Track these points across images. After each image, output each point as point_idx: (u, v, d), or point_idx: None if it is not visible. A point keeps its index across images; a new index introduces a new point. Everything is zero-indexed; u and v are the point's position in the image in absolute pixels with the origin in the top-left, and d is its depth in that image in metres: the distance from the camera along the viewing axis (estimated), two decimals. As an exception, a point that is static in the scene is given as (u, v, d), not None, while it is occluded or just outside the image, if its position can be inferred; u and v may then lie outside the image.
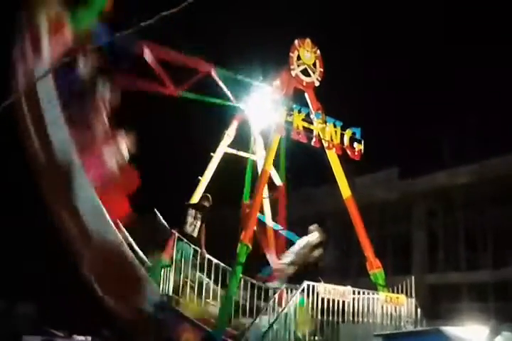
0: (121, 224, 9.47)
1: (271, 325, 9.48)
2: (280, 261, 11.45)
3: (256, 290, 10.24)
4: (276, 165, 12.63)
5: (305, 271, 11.09)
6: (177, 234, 9.92)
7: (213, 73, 11.57)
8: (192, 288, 9.88)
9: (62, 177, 8.73)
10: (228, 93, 11.87)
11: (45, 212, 8.72)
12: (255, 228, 10.89)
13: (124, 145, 9.72)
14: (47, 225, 8.96)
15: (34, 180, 8.72)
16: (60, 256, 9.14)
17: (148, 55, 10.73)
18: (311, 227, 11.67)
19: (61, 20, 8.93)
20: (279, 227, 12.56)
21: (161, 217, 10.76)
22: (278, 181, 12.85)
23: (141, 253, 9.86)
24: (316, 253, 11.40)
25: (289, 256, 11.29)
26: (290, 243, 11.99)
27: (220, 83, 11.72)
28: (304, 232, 11.85)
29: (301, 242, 11.46)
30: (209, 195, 11.21)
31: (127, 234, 9.64)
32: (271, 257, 12.26)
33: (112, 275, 8.85)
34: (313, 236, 11.48)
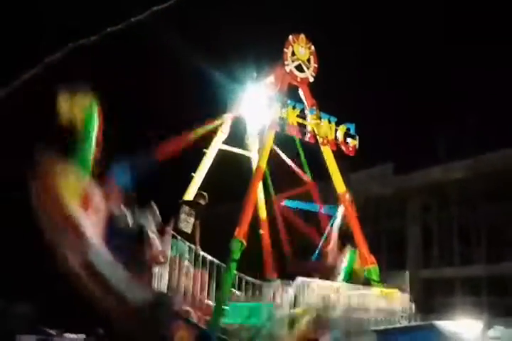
0: None
1: (265, 322, 9.50)
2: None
3: (251, 288, 10.27)
4: (299, 164, 12.87)
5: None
6: (171, 231, 9.90)
7: None
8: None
9: None
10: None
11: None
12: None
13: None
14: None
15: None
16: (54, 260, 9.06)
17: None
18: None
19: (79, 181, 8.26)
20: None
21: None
22: (305, 177, 12.91)
23: None
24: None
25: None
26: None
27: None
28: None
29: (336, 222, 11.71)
30: (205, 193, 11.17)
31: None
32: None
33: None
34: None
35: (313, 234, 12.47)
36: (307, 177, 12.98)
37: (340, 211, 11.82)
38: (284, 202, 13.04)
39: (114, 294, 8.68)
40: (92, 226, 8.17)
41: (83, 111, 8.10)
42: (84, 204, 8.07)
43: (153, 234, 9.16)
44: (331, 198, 12.52)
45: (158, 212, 10.12)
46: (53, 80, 8.07)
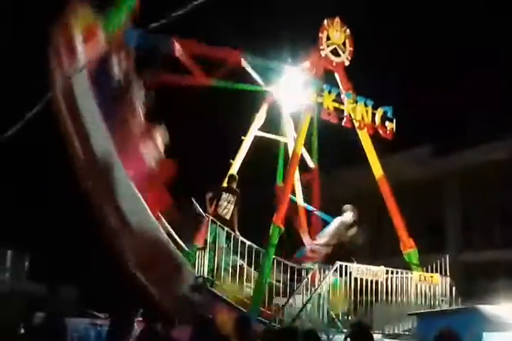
0: (160, 215, 9.66)
1: (304, 306, 9.61)
2: (315, 242, 11.49)
3: (289, 271, 10.37)
4: (308, 148, 12.62)
5: (342, 251, 11.13)
6: (210, 217, 10.06)
7: (243, 63, 11.54)
8: (226, 270, 10.03)
9: (101, 174, 8.92)
10: (258, 79, 11.84)
11: (87, 206, 8.92)
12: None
13: (160, 139, 9.88)
14: (89, 217, 9.17)
15: (75, 176, 8.92)
16: (101, 245, 9.37)
17: (178, 51, 10.74)
18: (345, 207, 11.67)
19: (94, 24, 9.06)
20: (312, 209, 12.57)
21: (197, 204, 10.86)
22: (311, 163, 12.83)
23: (179, 240, 10.06)
24: (351, 232, 11.41)
25: (323, 237, 11.33)
26: (324, 224, 12.01)
27: (250, 70, 11.69)
28: (337, 213, 11.87)
29: (335, 222, 11.48)
30: (235, 174, 11.31)
31: (166, 223, 9.83)
32: (305, 238, 12.33)
33: (152, 264, 9.06)
34: (347, 215, 11.48)
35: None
36: (313, 164, 12.80)
37: (337, 222, 11.44)
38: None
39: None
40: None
41: None
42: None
43: None
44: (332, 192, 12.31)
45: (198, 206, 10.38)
46: None
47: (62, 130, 8.83)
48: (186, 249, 10.02)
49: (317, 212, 12.38)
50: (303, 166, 12.51)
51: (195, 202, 10.96)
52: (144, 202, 9.14)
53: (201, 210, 10.75)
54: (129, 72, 9.66)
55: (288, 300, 9.89)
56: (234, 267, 10.13)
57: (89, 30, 8.98)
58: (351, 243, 11.43)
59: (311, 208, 12.55)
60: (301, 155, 11.94)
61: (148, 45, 9.82)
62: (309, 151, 12.76)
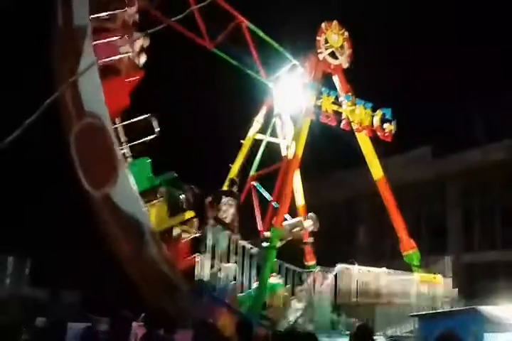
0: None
1: (305, 308, 9.61)
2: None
3: (291, 274, 10.39)
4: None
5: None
6: (211, 221, 10.07)
7: (245, 26, 11.57)
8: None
9: (73, 47, 8.97)
10: (258, 63, 11.84)
11: (87, 210, 8.96)
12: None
13: (139, 44, 10.05)
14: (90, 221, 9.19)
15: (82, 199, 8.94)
16: (102, 249, 9.38)
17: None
18: (309, 215, 11.71)
19: None
20: (270, 198, 12.38)
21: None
22: (285, 152, 12.32)
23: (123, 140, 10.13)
24: (308, 240, 11.67)
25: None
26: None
27: (250, 41, 11.69)
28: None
29: (292, 220, 11.53)
30: (235, 178, 11.34)
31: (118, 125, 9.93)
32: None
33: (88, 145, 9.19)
34: (307, 222, 11.50)
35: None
36: (289, 154, 12.64)
37: (295, 220, 11.46)
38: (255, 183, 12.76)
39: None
40: None
41: None
42: None
43: None
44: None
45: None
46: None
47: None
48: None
49: (273, 203, 12.14)
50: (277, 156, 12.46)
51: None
52: (103, 92, 9.13)
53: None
54: None
55: (306, 307, 9.87)
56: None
57: None
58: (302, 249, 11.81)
59: (269, 198, 12.40)
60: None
61: None
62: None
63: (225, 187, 11.44)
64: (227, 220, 10.51)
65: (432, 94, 21.96)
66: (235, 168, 12.29)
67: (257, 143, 12.70)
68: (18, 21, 13.96)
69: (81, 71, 8.72)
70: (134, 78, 9.98)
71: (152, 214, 9.46)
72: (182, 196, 10.20)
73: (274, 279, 10.36)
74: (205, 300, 9.60)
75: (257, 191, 12.39)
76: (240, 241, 10.02)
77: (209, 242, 9.85)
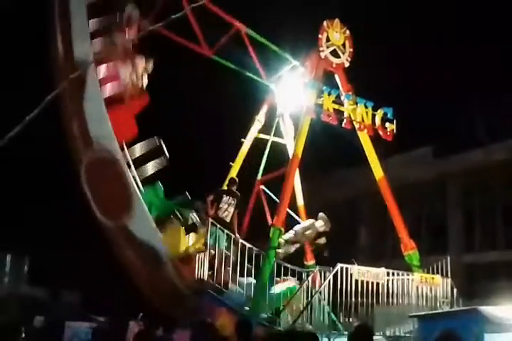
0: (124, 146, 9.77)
1: (305, 308, 9.57)
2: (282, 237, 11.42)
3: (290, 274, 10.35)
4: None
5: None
6: (210, 220, 10.03)
7: (244, 32, 11.51)
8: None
9: (77, 78, 8.81)
10: (258, 66, 11.79)
11: (86, 209, 8.94)
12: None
13: (141, 68, 9.95)
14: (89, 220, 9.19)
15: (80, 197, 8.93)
16: (101, 248, 9.38)
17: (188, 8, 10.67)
18: (319, 215, 11.62)
19: None
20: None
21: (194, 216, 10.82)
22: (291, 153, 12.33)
23: (136, 174, 10.08)
24: (321, 241, 11.46)
25: (289, 234, 11.27)
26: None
27: (249, 46, 11.61)
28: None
29: (305, 223, 11.48)
30: (235, 178, 11.29)
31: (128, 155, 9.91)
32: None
33: (101, 182, 9.18)
34: (319, 223, 11.44)
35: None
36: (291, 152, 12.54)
37: (307, 223, 11.39)
38: (262, 187, 12.70)
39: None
40: None
41: None
42: None
43: None
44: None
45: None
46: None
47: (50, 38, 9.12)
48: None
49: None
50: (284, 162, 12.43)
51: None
52: (107, 117, 9.14)
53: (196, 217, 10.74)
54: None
55: (288, 303, 9.87)
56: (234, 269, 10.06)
57: None
58: (320, 251, 11.54)
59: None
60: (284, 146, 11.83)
61: None
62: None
63: (224, 187, 11.39)
64: (227, 219, 10.47)
65: (433, 93, 21.93)
66: (235, 167, 12.24)
67: (258, 142, 12.65)
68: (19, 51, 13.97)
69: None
70: (139, 104, 9.90)
71: (169, 239, 9.49)
72: (195, 215, 10.26)
73: (290, 283, 10.28)
74: (204, 299, 9.59)
75: (266, 195, 12.27)
76: (240, 241, 9.99)
77: (209, 241, 9.83)
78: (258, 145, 12.62)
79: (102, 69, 9.46)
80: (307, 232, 11.25)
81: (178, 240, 9.96)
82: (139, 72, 10.04)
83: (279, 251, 10.42)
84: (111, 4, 9.82)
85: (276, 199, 12.16)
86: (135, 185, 9.43)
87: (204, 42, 11.19)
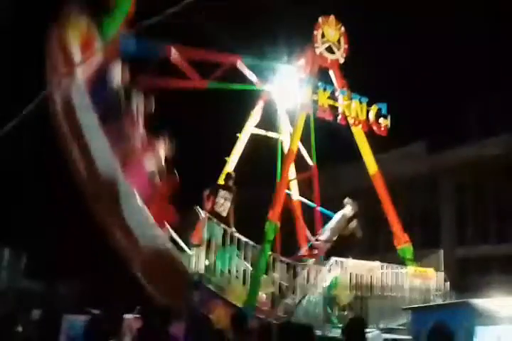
0: (168, 226, 9.73)
1: (299, 301, 9.71)
2: (318, 238, 11.54)
3: (286, 267, 10.47)
4: (307, 145, 12.53)
5: (343, 245, 11.20)
6: (207, 214, 10.12)
7: (239, 64, 11.58)
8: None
9: (105, 187, 8.68)
10: (254, 78, 11.85)
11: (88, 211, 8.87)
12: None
13: (162, 151, 9.85)
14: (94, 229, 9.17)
15: (77, 189, 8.83)
16: (99, 243, 9.41)
17: (174, 56, 10.72)
18: (345, 200, 11.76)
19: (90, 33, 8.87)
20: (313, 205, 12.48)
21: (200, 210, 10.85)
22: (310, 161, 12.78)
23: (182, 243, 10.12)
24: (352, 224, 11.53)
25: (325, 233, 11.39)
26: (327, 220, 12.03)
27: (246, 72, 11.70)
28: (332, 209, 11.98)
29: (336, 217, 11.59)
30: (231, 172, 11.38)
31: (172, 232, 9.91)
32: (303, 234, 12.41)
33: (156, 270, 9.06)
34: (347, 209, 11.59)
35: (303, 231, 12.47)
36: (312, 162, 12.57)
37: (339, 216, 11.52)
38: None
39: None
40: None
41: None
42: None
43: None
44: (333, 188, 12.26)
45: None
46: None
47: (63, 145, 8.59)
48: (188, 251, 10.07)
49: (319, 208, 12.32)
50: (303, 164, 12.55)
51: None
52: (149, 214, 9.07)
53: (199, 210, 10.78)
54: (127, 80, 9.51)
55: (284, 297, 10.00)
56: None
57: (86, 40, 8.78)
58: (351, 236, 11.51)
59: (312, 205, 12.50)
60: (299, 152, 12.00)
61: (145, 52, 9.80)
62: (308, 149, 12.73)
63: (221, 181, 11.49)
64: (224, 214, 10.56)
65: (427, 89, 22.04)
66: (231, 162, 12.32)
67: (254, 138, 12.73)
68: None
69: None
70: (170, 186, 9.67)
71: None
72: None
73: (334, 272, 10.17)
74: (200, 293, 9.69)
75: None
76: (236, 235, 10.10)
77: (205, 235, 9.93)
78: (253, 140, 12.71)
79: (128, 169, 9.04)
80: (340, 224, 11.34)
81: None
82: (161, 158, 9.82)
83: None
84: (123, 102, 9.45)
85: (310, 203, 12.31)
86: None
87: (196, 77, 11.09)
